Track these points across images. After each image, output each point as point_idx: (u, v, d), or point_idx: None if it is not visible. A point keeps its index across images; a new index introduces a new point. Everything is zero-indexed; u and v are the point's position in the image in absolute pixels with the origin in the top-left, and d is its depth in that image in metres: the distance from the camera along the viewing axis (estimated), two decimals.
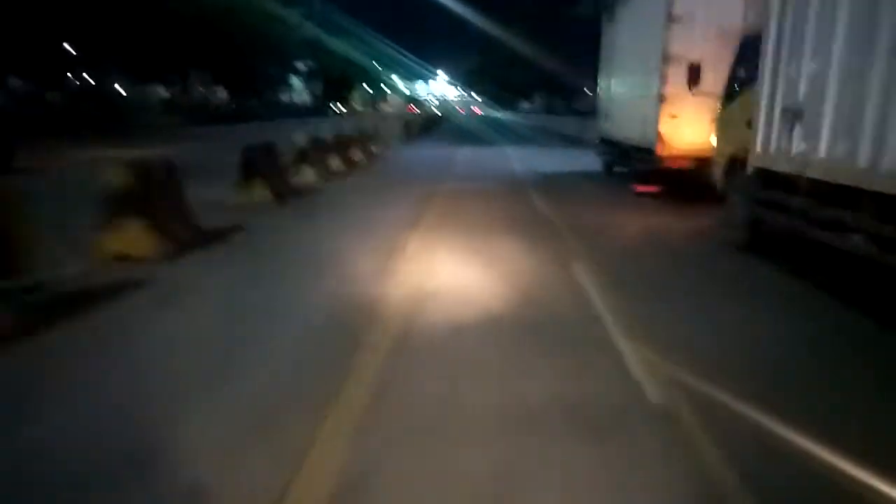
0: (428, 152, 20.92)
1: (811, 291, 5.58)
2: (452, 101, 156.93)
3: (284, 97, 75.29)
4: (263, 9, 53.91)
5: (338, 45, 60.05)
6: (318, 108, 55.01)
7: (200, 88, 57.14)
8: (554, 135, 30.58)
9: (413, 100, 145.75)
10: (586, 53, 18.91)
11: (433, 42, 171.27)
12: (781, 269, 6.26)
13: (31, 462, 2.65)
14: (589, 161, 15.03)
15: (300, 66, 61.59)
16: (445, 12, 56.51)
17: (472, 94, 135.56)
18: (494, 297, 5.18)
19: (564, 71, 43.45)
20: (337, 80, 58.81)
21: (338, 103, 66.23)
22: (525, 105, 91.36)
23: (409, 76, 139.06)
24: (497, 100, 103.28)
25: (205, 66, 52.31)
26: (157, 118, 30.77)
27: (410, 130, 29.14)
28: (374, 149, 18.59)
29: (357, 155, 15.69)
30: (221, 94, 56.64)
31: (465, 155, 19.01)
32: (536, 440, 2.89)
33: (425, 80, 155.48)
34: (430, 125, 42.11)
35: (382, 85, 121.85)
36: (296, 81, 70.28)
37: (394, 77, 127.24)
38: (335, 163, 14.11)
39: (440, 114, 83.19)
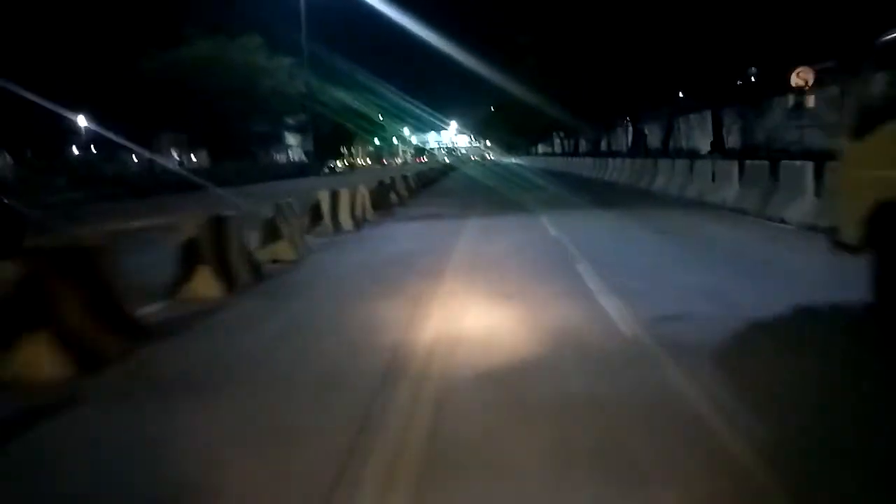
0: (414, 231, 13.46)
1: None
2: (463, 149, 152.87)
3: (281, 156, 69.75)
4: (243, 62, 48.54)
5: (333, 96, 54.31)
6: (310, 167, 48.53)
7: (174, 154, 51.40)
8: (596, 185, 22.81)
9: (422, 150, 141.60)
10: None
11: (444, 93, 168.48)
12: None
13: None
14: (785, 267, 6.71)
15: (290, 121, 55.70)
16: (457, 64, 50.75)
17: (486, 141, 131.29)
18: None
19: (589, 106, 36.45)
20: (330, 135, 52.49)
21: (336, 160, 59.95)
22: (539, 148, 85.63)
23: (420, 127, 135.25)
24: (510, 146, 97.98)
25: (178, 128, 46.68)
26: (56, 194, 23.90)
27: (408, 188, 21.98)
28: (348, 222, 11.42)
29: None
30: (202, 157, 50.62)
31: (472, 237, 10.23)
32: None
33: (437, 130, 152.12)
34: (434, 179, 35.20)
35: (393, 137, 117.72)
36: (292, 139, 64.64)
37: (405, 129, 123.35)
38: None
39: (448, 162, 77.76)
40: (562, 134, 62.58)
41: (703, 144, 27.03)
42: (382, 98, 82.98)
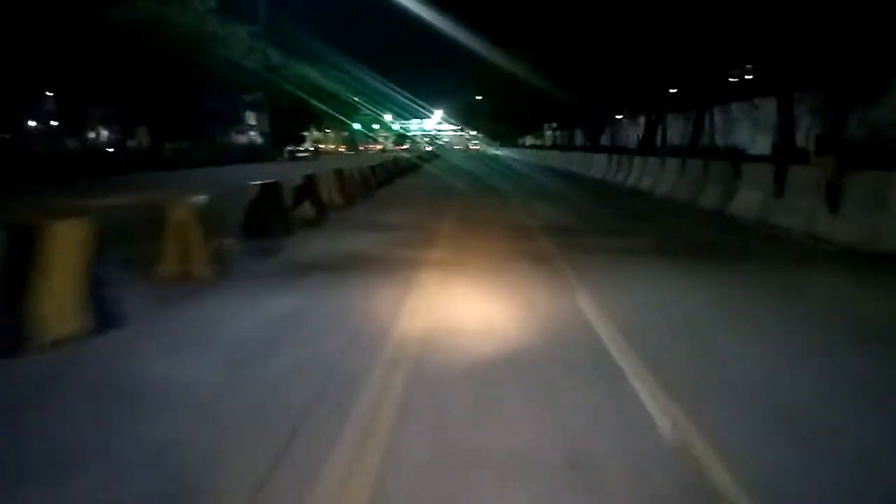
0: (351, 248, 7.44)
1: None
2: (447, 138, 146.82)
3: (242, 138, 62.80)
4: (190, 27, 41.60)
5: (298, 72, 47.55)
6: (265, 151, 41.92)
7: (101, 130, 44.34)
8: (625, 196, 16.46)
9: (404, 137, 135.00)
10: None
11: (430, 80, 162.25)
12: None
13: None
14: None
15: (249, 98, 48.82)
16: (441, 46, 44.77)
17: (471, 131, 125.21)
18: None
19: (593, 92, 30.53)
20: (290, 114, 45.70)
21: (299, 144, 53.08)
22: (526, 140, 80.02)
23: (403, 114, 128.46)
24: (496, 136, 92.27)
25: (109, 102, 39.69)
26: None
27: (366, 182, 16.00)
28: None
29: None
30: (140, 136, 43.64)
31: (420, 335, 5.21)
32: None
33: (421, 118, 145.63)
34: (410, 168, 29.17)
35: (373, 123, 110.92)
36: (253, 119, 57.67)
37: (387, 115, 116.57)
38: None
39: (431, 150, 72.00)
40: (554, 125, 56.71)
41: (756, 143, 21.30)
42: (361, 81, 76.25)
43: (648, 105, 27.44)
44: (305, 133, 60.87)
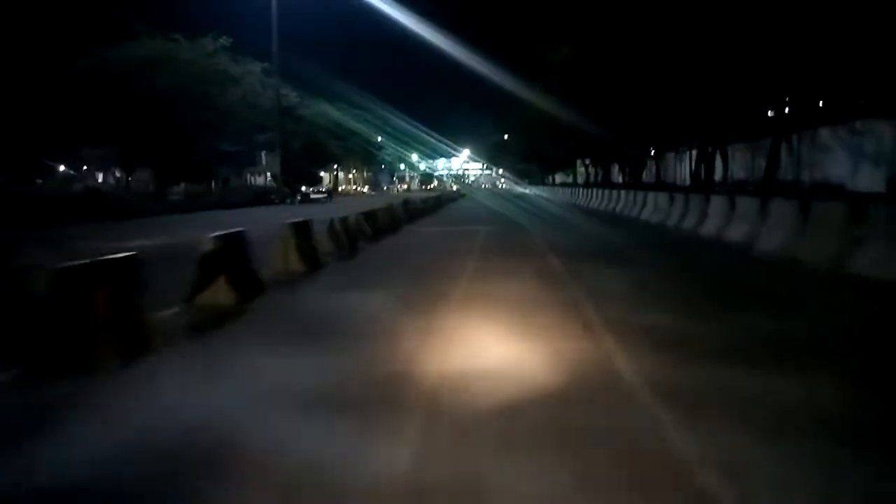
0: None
1: None
2: (473, 176, 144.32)
3: (259, 179, 60.45)
4: (201, 65, 39.30)
5: (316, 110, 44.74)
6: (274, 192, 38.79)
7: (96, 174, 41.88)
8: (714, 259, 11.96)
9: (430, 177, 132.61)
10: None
11: (457, 119, 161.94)
12: None
13: None
14: None
15: (262, 139, 46.12)
16: (468, 83, 42.30)
17: (498, 169, 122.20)
18: None
19: (636, 125, 26.60)
20: (303, 154, 42.58)
21: (312, 184, 49.95)
22: (556, 178, 76.15)
23: (429, 154, 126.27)
24: (523, 175, 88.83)
25: (108, 141, 37.18)
26: None
27: (354, 234, 12.25)
28: None
29: None
30: (142, 178, 41.07)
31: None
32: None
33: (447, 156, 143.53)
34: (432, 209, 25.51)
35: (399, 163, 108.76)
36: (269, 160, 55.09)
37: (413, 154, 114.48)
38: None
39: (457, 189, 68.98)
40: (587, 161, 52.65)
41: (860, 176, 16.83)
42: (385, 120, 73.90)
43: (703, 134, 23.24)
44: (323, 173, 58.04)
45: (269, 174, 57.35)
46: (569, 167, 64.47)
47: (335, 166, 61.80)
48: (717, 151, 23.25)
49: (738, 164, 24.41)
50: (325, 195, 44.17)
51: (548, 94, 31.40)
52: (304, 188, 44.05)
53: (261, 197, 38.21)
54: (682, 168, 30.38)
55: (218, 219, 21.56)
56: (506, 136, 73.42)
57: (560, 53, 28.23)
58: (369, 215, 14.20)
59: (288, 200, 38.67)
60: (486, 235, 15.05)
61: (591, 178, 52.56)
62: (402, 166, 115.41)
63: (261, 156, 56.61)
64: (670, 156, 31.94)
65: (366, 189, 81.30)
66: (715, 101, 18.56)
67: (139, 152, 38.53)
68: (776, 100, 17.29)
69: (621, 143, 29.67)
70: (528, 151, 63.50)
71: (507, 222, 19.77)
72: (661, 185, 28.88)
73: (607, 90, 24.68)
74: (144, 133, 37.14)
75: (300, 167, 42.34)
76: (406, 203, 20.14)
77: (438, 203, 31.54)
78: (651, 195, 19.09)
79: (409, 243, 14.05)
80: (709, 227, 13.29)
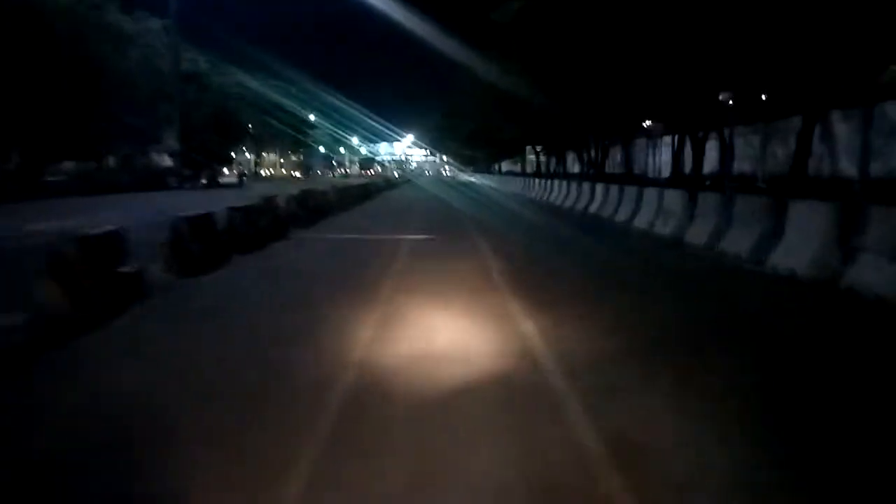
0: None
1: None
2: (416, 163, 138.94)
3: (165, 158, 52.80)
4: (75, 16, 31.93)
5: (222, 80, 37.94)
6: (170, 175, 32.29)
7: None
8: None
9: (371, 162, 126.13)
10: None
11: (400, 102, 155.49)
12: None
13: None
14: None
15: (162, 110, 39.00)
16: (414, 60, 36.87)
17: (443, 155, 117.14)
18: None
19: (602, 108, 21.97)
20: (210, 131, 35.92)
21: (224, 166, 43.12)
22: (502, 166, 71.92)
23: (372, 137, 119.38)
24: (468, 161, 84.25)
25: None
26: None
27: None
28: None
29: None
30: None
31: None
32: None
33: (390, 141, 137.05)
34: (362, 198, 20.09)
35: (338, 146, 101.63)
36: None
37: (353, 138, 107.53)
38: None
39: (399, 176, 63.90)
40: (539, 148, 48.22)
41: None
42: (320, 99, 67.09)
43: (691, 115, 18.81)
44: (247, 155, 51.03)
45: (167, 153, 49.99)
46: (517, 154, 60.11)
47: (255, 147, 54.73)
48: (705, 137, 18.92)
49: (742, 152, 19.68)
50: (238, 179, 37.70)
51: (493, 63, 26.29)
52: (222, 170, 37.45)
53: (156, 179, 31.46)
54: (658, 157, 26.11)
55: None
56: (450, 119, 68.38)
57: (507, 11, 22.77)
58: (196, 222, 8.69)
59: (187, 185, 32.14)
60: (416, 244, 9.81)
61: (543, 168, 48.28)
62: (342, 150, 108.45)
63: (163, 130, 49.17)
64: (641, 142, 27.61)
65: (297, 174, 74.23)
66: (714, 61, 13.58)
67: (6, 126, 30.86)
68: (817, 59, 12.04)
69: (581, 125, 25.05)
70: (474, 135, 58.69)
71: (452, 219, 14.64)
72: (632, 177, 24.48)
73: (565, 55, 19.66)
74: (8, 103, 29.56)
75: (208, 145, 35.65)
76: (306, 196, 14.43)
77: (365, 194, 25.94)
78: (630, 190, 14.49)
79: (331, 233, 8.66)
80: (742, 246, 8.60)
